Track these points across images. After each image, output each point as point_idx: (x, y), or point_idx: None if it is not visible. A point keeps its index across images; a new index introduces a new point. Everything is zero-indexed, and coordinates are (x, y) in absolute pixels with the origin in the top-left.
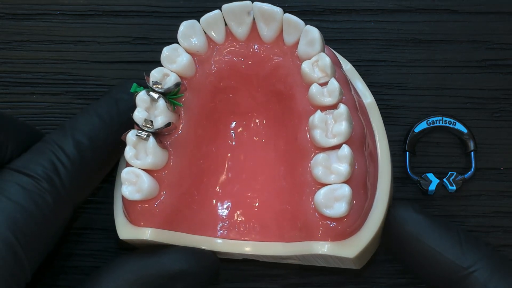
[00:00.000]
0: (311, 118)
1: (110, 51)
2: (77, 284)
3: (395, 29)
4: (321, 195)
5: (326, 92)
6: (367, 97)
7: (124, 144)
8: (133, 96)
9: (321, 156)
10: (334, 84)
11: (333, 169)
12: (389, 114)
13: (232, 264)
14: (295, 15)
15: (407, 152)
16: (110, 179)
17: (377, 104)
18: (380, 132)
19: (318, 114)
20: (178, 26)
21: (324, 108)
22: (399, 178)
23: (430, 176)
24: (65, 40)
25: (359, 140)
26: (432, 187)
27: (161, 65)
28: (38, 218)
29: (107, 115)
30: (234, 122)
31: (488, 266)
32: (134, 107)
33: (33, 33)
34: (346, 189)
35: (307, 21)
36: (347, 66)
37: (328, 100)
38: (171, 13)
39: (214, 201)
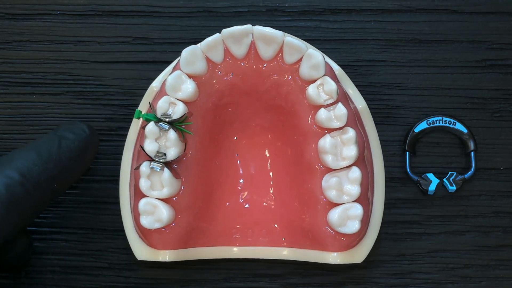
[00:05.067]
0: (321, 142)
1: (110, 51)
2: (77, 284)
3: (395, 29)
4: (336, 215)
5: (333, 116)
6: (359, 102)
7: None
8: (77, 136)
9: (334, 180)
10: (342, 109)
11: (345, 190)
12: (389, 114)
13: (232, 264)
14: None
15: (407, 152)
16: (110, 178)
17: (377, 104)
18: (373, 136)
19: (329, 139)
20: (178, 26)
21: (331, 130)
22: (399, 178)
23: (430, 176)
24: (65, 40)
25: (362, 155)
26: (432, 187)
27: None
28: None
29: (46, 152)
30: (236, 135)
31: None
32: (79, 147)
33: (33, 33)
34: (359, 209)
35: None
36: (336, 69)
37: (336, 124)
38: (171, 13)
39: (226, 211)
